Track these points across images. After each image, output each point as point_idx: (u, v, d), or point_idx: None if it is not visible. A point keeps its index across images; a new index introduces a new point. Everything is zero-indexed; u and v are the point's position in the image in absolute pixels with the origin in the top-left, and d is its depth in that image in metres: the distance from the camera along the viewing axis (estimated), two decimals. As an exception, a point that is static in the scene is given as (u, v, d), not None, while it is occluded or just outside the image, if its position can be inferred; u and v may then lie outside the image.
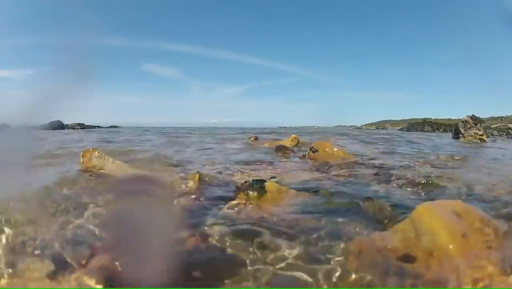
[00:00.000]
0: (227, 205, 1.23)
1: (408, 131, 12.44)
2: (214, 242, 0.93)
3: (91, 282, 0.74)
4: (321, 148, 2.37)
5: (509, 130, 9.41)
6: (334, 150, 2.36)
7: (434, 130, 10.85)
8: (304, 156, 2.41)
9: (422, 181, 1.55)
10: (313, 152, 2.36)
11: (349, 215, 1.12)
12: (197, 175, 1.28)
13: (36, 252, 0.85)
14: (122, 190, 0.99)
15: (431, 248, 0.72)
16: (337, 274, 0.75)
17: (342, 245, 0.85)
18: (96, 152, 1.77)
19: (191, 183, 1.27)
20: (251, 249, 0.88)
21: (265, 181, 1.12)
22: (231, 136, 5.18)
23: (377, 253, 0.79)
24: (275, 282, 0.74)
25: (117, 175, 1.60)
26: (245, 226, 1.01)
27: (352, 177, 1.69)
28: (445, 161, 2.51)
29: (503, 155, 3.43)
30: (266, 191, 1.07)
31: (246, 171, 1.97)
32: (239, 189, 1.10)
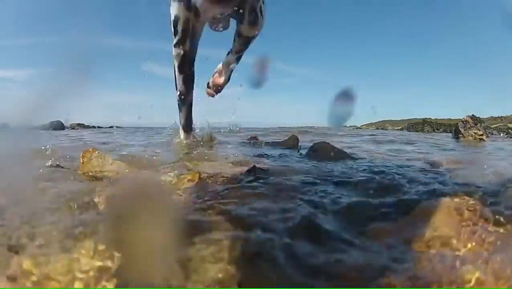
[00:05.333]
0: (226, 205, 1.23)
1: (408, 131, 12.44)
2: (212, 242, 0.93)
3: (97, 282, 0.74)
4: (321, 148, 2.37)
5: (509, 130, 9.42)
6: (334, 150, 2.36)
7: (434, 130, 10.85)
8: (303, 156, 2.41)
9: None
10: (313, 152, 2.36)
11: (348, 216, 1.12)
12: (197, 174, 1.29)
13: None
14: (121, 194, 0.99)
15: (432, 247, 0.72)
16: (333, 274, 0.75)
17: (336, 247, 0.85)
18: (96, 152, 1.77)
19: (191, 182, 1.27)
20: (248, 250, 0.88)
21: (264, 180, 1.13)
22: (231, 136, 5.20)
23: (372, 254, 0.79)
24: (274, 280, 0.74)
25: (117, 177, 1.60)
26: (242, 227, 1.01)
27: (351, 178, 1.69)
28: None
29: None
30: (265, 190, 1.07)
31: (246, 170, 1.97)
32: (238, 187, 1.10)
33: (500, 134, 8.58)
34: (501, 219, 0.91)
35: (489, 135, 7.40)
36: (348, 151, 2.65)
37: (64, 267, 0.76)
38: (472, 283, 0.65)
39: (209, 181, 1.47)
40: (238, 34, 2.37)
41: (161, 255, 0.81)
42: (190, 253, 0.83)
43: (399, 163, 2.24)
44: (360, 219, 1.05)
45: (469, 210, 0.87)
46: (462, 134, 6.18)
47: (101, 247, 0.85)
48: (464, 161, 2.41)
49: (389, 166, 2.05)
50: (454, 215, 0.85)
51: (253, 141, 3.50)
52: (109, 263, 0.79)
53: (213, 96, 3.19)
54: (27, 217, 1.01)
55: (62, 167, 1.91)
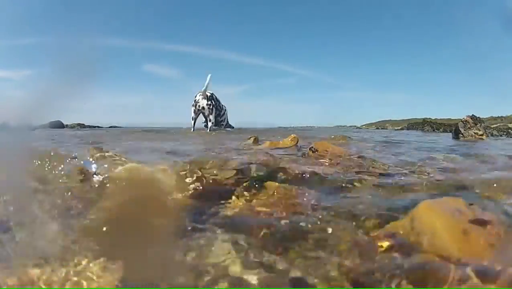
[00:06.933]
0: (226, 204, 1.23)
1: (408, 130, 12.41)
2: (212, 243, 0.93)
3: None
4: (321, 148, 2.37)
5: (509, 130, 9.39)
6: (334, 150, 2.36)
7: (434, 130, 10.83)
8: (303, 155, 2.40)
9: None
10: (312, 152, 2.36)
11: (350, 217, 1.12)
12: (199, 174, 1.29)
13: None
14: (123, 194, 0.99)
15: (431, 247, 0.72)
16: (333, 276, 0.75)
17: (340, 247, 0.85)
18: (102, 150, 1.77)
19: (192, 181, 1.27)
20: (247, 251, 0.88)
21: (264, 180, 1.13)
22: (231, 136, 5.19)
23: (374, 254, 0.79)
24: (270, 283, 0.74)
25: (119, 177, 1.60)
26: (242, 227, 1.01)
27: (351, 178, 1.69)
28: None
29: None
30: (265, 189, 1.07)
31: (245, 170, 1.96)
32: (238, 187, 1.10)
33: (500, 135, 8.53)
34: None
35: (489, 135, 7.38)
36: (345, 149, 2.65)
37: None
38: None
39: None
40: None
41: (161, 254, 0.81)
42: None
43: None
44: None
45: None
46: (462, 134, 6.16)
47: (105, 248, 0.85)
48: None
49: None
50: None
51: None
52: (111, 264, 0.80)
53: None
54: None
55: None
